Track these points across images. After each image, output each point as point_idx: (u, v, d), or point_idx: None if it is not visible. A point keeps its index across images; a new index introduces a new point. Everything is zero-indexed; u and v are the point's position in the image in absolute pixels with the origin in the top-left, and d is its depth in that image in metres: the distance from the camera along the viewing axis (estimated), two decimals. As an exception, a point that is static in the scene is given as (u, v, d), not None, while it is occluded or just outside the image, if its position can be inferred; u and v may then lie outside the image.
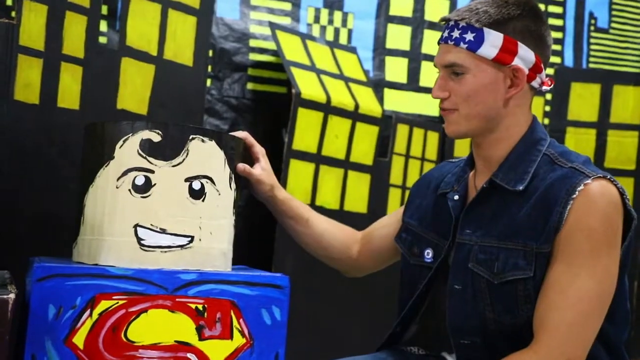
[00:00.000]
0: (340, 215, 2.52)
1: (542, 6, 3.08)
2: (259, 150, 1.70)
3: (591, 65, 3.14)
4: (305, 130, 2.43)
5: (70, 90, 2.14)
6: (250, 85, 2.65)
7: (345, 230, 1.89)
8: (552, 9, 3.13)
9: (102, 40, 2.28)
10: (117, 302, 1.37)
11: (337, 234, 1.85)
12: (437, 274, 1.61)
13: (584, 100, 2.89)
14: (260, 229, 2.47)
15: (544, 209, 1.44)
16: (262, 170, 1.68)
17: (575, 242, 1.40)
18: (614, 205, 1.43)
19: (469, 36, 1.49)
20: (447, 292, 1.57)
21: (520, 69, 1.50)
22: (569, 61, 3.13)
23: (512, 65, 1.50)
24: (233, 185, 1.53)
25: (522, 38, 1.50)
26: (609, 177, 1.45)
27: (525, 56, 1.50)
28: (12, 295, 1.26)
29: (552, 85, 1.64)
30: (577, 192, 1.41)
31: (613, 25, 3.19)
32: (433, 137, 2.83)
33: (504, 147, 1.55)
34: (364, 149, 2.61)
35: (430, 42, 2.91)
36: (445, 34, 1.53)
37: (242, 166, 1.57)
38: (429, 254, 1.64)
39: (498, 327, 1.48)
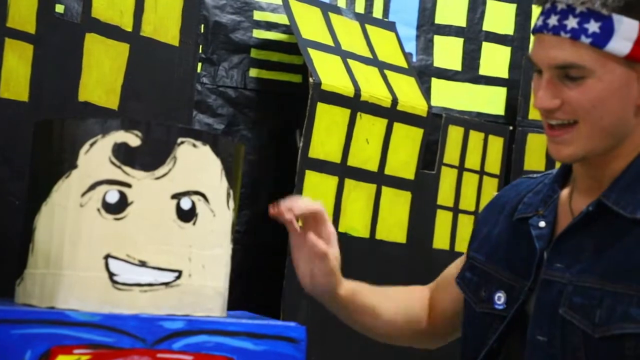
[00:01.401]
0: (370, 245, 2.53)
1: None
2: (331, 231, 1.67)
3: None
4: (327, 132, 2.43)
5: (17, 75, 2.15)
6: (253, 72, 2.67)
7: (414, 303, 1.86)
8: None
9: (59, 9, 2.29)
10: (80, 358, 1.38)
11: (408, 318, 1.83)
12: (512, 325, 1.59)
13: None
14: (263, 260, 2.48)
15: None
16: (335, 260, 1.66)
17: None
18: None
19: (593, 26, 1.44)
20: (526, 347, 1.55)
21: None
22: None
23: None
24: (231, 203, 1.54)
25: None
26: None
27: None
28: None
29: None
30: None
31: None
32: (496, 144, 2.83)
33: (622, 163, 1.53)
34: (404, 159, 2.62)
35: (495, 15, 2.92)
36: (554, 22, 1.47)
37: (315, 240, 1.60)
38: (500, 298, 1.61)
39: None
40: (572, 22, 1.44)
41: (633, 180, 1.51)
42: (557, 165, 1.69)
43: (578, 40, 1.44)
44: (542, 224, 1.59)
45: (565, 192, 1.62)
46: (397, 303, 1.82)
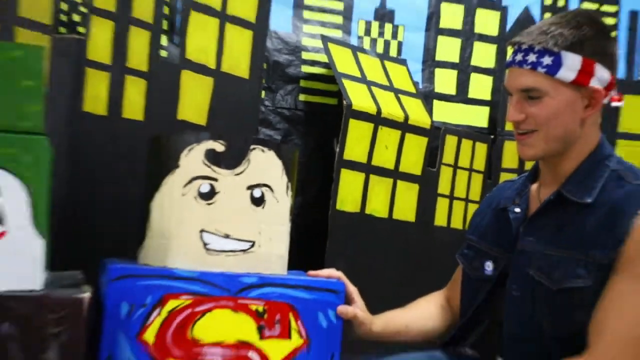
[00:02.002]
0: (388, 223, 2.54)
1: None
2: (353, 290, 1.60)
3: (645, 78, 3.11)
4: (356, 140, 2.44)
5: (135, 102, 2.17)
6: (302, 97, 2.67)
7: (434, 307, 1.82)
8: (606, 20, 3.08)
9: (164, 54, 2.30)
10: (184, 302, 1.41)
11: (431, 321, 1.79)
12: (497, 285, 1.62)
13: (635, 113, 2.85)
14: (312, 234, 2.49)
15: (611, 222, 1.44)
16: (362, 312, 1.58)
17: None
18: None
19: (547, 60, 1.47)
20: (505, 300, 1.58)
21: (598, 90, 1.49)
22: (620, 73, 3.07)
23: (590, 87, 1.49)
24: (289, 193, 1.55)
25: (599, 59, 1.49)
26: None
27: (601, 76, 1.49)
28: (87, 295, 1.31)
29: (621, 101, 1.62)
30: None
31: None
32: (481, 148, 2.83)
33: (574, 162, 1.55)
34: (413, 159, 2.62)
35: (480, 54, 2.91)
36: (519, 58, 1.51)
37: (344, 309, 1.52)
38: (489, 266, 1.64)
39: (554, 334, 1.49)
40: (531, 57, 1.49)
41: (583, 177, 1.53)
42: (527, 165, 1.70)
43: (536, 70, 1.48)
44: (517, 210, 1.62)
45: (535, 186, 1.64)
46: (424, 313, 1.78)
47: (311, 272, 1.58)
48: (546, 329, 1.49)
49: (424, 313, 1.78)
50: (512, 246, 1.59)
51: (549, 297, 1.49)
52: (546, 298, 1.49)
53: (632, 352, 1.38)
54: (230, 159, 1.47)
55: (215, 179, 1.47)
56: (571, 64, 1.47)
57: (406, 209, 2.62)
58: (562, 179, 1.56)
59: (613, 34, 2.98)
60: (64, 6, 2.26)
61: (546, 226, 1.55)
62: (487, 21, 2.94)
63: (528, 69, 1.49)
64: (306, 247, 2.45)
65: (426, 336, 1.75)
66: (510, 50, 1.57)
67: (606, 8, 3.11)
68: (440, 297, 1.83)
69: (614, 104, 1.56)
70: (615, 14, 3.13)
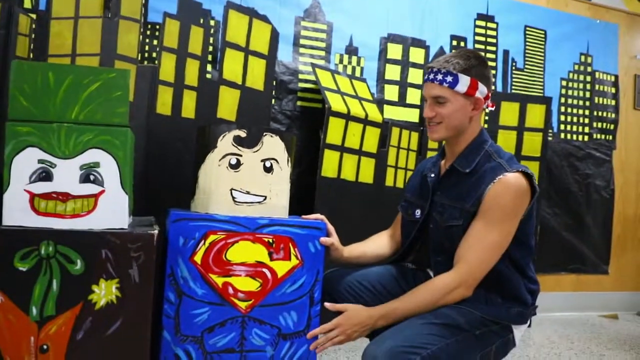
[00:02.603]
0: (355, 185, 2.52)
1: (482, 54, 3.07)
2: (331, 228, 1.54)
3: (513, 91, 3.13)
4: (334, 131, 2.40)
5: (189, 106, 2.15)
6: (299, 103, 2.61)
7: (383, 240, 1.76)
8: (489, 55, 3.12)
9: (208, 76, 2.27)
10: (220, 236, 1.39)
11: (381, 249, 1.73)
12: (423, 224, 1.60)
13: (509, 113, 2.88)
14: (306, 192, 2.47)
15: (477, 186, 1.44)
16: (337, 242, 1.55)
17: (493, 210, 1.41)
18: (521, 191, 1.42)
19: (449, 78, 1.47)
20: (428, 233, 1.58)
21: (479, 99, 1.50)
22: (499, 88, 3.11)
23: (475, 96, 1.49)
24: (289, 164, 1.52)
25: (480, 79, 1.48)
26: (522, 170, 1.44)
27: (482, 91, 1.49)
28: (156, 231, 1.29)
29: (494, 107, 1.61)
30: (496, 179, 1.42)
31: (526, 66, 3.18)
32: (415, 135, 2.78)
33: (463, 145, 1.53)
34: (371, 143, 2.58)
35: (413, 75, 2.87)
36: (432, 76, 1.49)
37: (325, 239, 1.49)
38: (417, 212, 1.61)
39: (450, 250, 1.48)
40: (439, 76, 1.47)
41: (466, 155, 1.52)
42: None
43: (442, 85, 1.47)
44: (432, 175, 1.60)
45: (443, 162, 1.62)
46: (376, 244, 1.74)
47: (304, 216, 1.54)
48: (445, 247, 1.50)
49: (376, 243, 1.74)
50: (429, 198, 1.58)
51: (442, 231, 1.50)
52: (442, 230, 1.51)
53: (482, 268, 1.42)
54: (250, 142, 1.45)
55: (240, 155, 1.44)
56: (464, 81, 1.47)
57: (367, 175, 2.59)
58: (455, 156, 1.55)
59: (491, 64, 3.06)
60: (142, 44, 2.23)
61: (445, 186, 1.55)
62: (416, 54, 2.90)
63: (437, 83, 1.48)
64: (302, 200, 2.44)
65: (378, 259, 1.72)
66: (426, 71, 1.55)
67: (489, 48, 3.12)
68: (387, 234, 1.80)
69: (489, 109, 1.57)
70: (494, 52, 3.14)
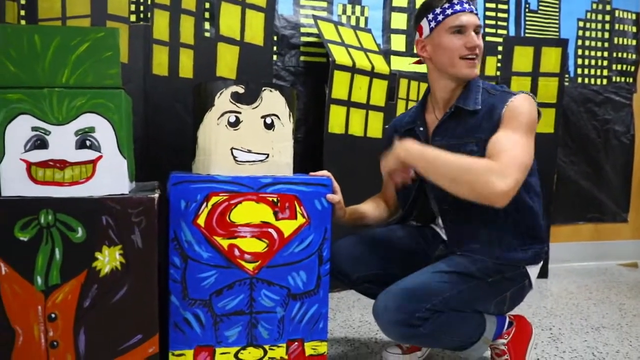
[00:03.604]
0: (364, 140, 2.48)
1: (496, -6, 2.99)
2: (337, 186, 1.49)
3: (527, 34, 3.02)
4: (339, 85, 2.35)
5: (186, 65, 2.11)
6: (302, 58, 2.56)
7: (378, 205, 1.72)
8: (499, 5, 3.01)
9: (206, 34, 2.22)
10: (223, 197, 1.37)
11: (378, 212, 1.69)
12: (420, 179, 1.55)
13: (523, 58, 2.80)
14: (314, 149, 2.44)
15: (490, 116, 1.41)
16: (342, 201, 1.51)
17: (514, 118, 1.37)
18: (533, 106, 1.41)
19: (475, 11, 1.47)
20: (428, 186, 1.54)
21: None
22: (512, 32, 3.01)
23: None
24: (291, 119, 1.49)
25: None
26: (524, 92, 1.44)
27: None
28: (157, 195, 1.28)
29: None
30: (509, 101, 1.40)
31: (540, 7, 3.07)
32: (423, 87, 2.72)
33: (460, 88, 1.50)
34: (378, 96, 2.52)
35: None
36: (467, 7, 1.45)
37: (331, 196, 1.44)
38: (411, 172, 1.56)
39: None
40: (472, 6, 1.47)
41: (467, 94, 1.49)
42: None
43: (477, 15, 1.48)
44: (421, 128, 1.56)
45: (427, 113, 1.58)
46: (373, 207, 1.70)
47: (311, 173, 1.52)
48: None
49: (373, 206, 1.70)
50: None
51: None
52: None
53: (520, 165, 1.30)
54: (249, 98, 1.41)
55: (239, 112, 1.41)
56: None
57: (375, 129, 2.54)
58: (452, 100, 1.51)
59: (503, 7, 2.96)
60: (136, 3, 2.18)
61: (448, 128, 1.50)
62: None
63: (475, 14, 1.46)
64: (310, 159, 2.42)
65: (377, 221, 1.69)
66: (444, 5, 1.47)
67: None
68: (380, 197, 1.76)
69: None
70: (507, 2, 3.04)
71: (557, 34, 3.11)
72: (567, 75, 3.10)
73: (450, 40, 1.44)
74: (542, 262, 1.52)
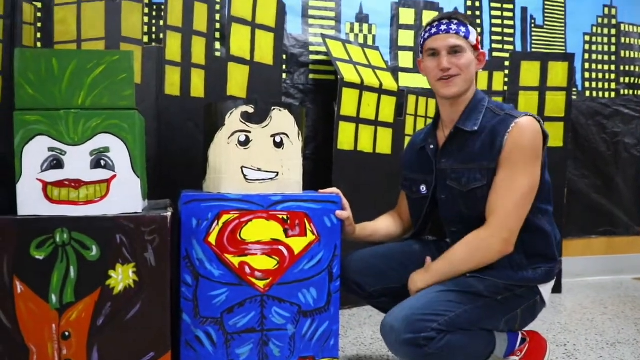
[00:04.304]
0: (373, 156, 2.49)
1: (499, 12, 2.99)
2: (346, 202, 1.51)
3: (533, 49, 3.04)
4: (348, 102, 2.36)
5: (198, 85, 2.14)
6: (311, 76, 2.59)
7: (391, 220, 1.73)
8: (506, 14, 3.03)
9: (217, 54, 2.26)
10: (233, 215, 1.39)
11: (391, 228, 1.71)
12: (432, 199, 1.58)
13: (529, 73, 2.81)
14: (323, 166, 2.45)
15: (491, 141, 1.42)
16: (351, 217, 1.53)
17: (514, 154, 1.39)
18: (536, 132, 1.41)
19: (463, 29, 1.45)
20: (438, 203, 1.55)
21: (483, 53, 1.51)
22: (518, 47, 3.03)
23: (480, 51, 1.50)
24: (300, 138, 1.50)
25: (480, 35, 1.49)
26: (529, 114, 1.43)
27: (482, 45, 1.50)
28: (169, 213, 1.30)
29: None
30: (511, 127, 1.40)
31: (546, 22, 3.08)
32: (432, 103, 2.72)
33: (463, 106, 1.51)
34: (387, 112, 2.53)
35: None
36: (444, 27, 1.46)
37: (341, 213, 1.47)
38: (423, 188, 1.59)
39: (469, 217, 1.46)
40: (454, 27, 1.46)
41: (468, 114, 1.49)
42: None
43: (458, 34, 1.46)
44: (432, 146, 1.57)
45: (439, 131, 1.58)
46: (386, 223, 1.72)
47: (320, 190, 1.53)
48: (465, 216, 1.48)
49: (386, 223, 1.72)
50: (434, 169, 1.55)
51: (463, 196, 1.47)
52: (460, 196, 1.47)
53: (516, 216, 1.39)
54: (258, 117, 1.43)
55: (249, 131, 1.43)
56: (473, 33, 1.47)
57: (384, 146, 2.55)
58: (456, 118, 1.51)
59: (509, 23, 2.98)
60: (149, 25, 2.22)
61: (452, 151, 1.51)
62: (430, 17, 2.81)
63: (453, 33, 1.45)
64: (320, 176, 2.43)
65: (388, 238, 1.70)
66: (432, 25, 1.50)
67: (506, 6, 3.03)
68: (394, 213, 1.77)
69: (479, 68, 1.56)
70: (512, 10, 3.04)
71: (564, 48, 3.12)
72: (575, 89, 3.11)
73: (428, 63, 1.50)
74: (554, 280, 1.52)
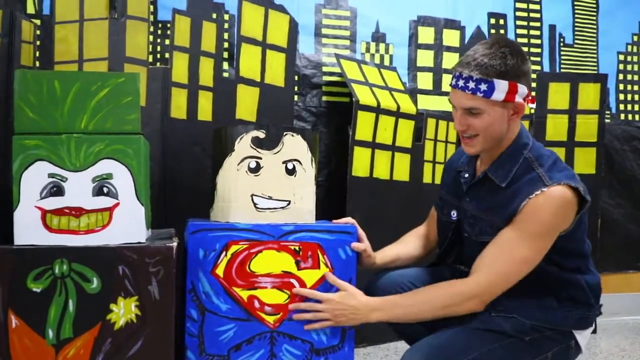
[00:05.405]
0: (390, 183, 2.51)
1: (524, 31, 3.03)
2: (362, 233, 1.53)
3: (562, 70, 3.06)
4: (363, 126, 2.38)
5: (205, 108, 2.18)
6: (324, 98, 2.61)
7: (416, 240, 1.75)
8: (533, 32, 3.05)
9: (225, 74, 2.30)
10: (242, 246, 1.41)
11: (415, 251, 1.72)
12: (458, 226, 1.58)
13: (558, 95, 2.82)
14: (336, 194, 2.47)
15: (511, 201, 1.39)
16: (369, 248, 1.55)
17: (529, 222, 1.35)
18: (564, 207, 1.36)
19: (483, 86, 1.37)
20: (463, 240, 1.56)
21: (520, 103, 1.41)
22: (546, 68, 3.05)
23: (515, 102, 1.40)
24: (313, 165, 1.53)
25: (519, 80, 1.39)
26: (564, 182, 1.37)
27: (522, 92, 1.40)
28: (175, 244, 1.32)
29: (535, 103, 1.56)
30: (534, 194, 1.36)
31: (576, 41, 3.10)
32: (452, 126, 2.72)
33: (500, 150, 1.48)
34: (405, 136, 2.55)
35: (448, 60, 2.83)
36: (462, 84, 1.39)
37: (357, 245, 1.49)
38: (454, 214, 1.58)
39: None
40: (471, 85, 1.38)
41: (502, 162, 1.47)
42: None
43: (475, 95, 1.38)
44: (466, 175, 1.56)
45: (478, 160, 1.57)
46: (410, 246, 1.72)
47: (334, 221, 1.55)
48: None
49: (409, 245, 1.73)
50: (461, 204, 1.56)
51: (475, 245, 1.47)
52: (473, 245, 1.48)
53: (503, 285, 1.38)
54: (270, 143, 1.46)
55: (260, 158, 1.46)
56: (501, 88, 1.38)
57: (402, 172, 2.56)
58: (491, 160, 1.50)
59: (536, 42, 3.00)
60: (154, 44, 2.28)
61: (476, 195, 1.51)
62: (450, 37, 2.86)
63: (469, 93, 1.39)
64: (332, 203, 2.45)
65: (412, 261, 1.70)
66: (454, 74, 1.46)
67: (533, 24, 3.05)
68: (420, 232, 1.78)
69: (530, 105, 1.50)
70: (539, 28, 3.07)
71: (596, 68, 3.14)
72: (608, 112, 3.11)
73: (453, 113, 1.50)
74: (592, 327, 1.50)
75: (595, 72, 3.12)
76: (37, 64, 2.06)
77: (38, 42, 2.06)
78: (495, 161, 1.48)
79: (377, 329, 1.71)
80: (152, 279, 1.29)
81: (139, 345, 1.29)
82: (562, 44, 3.10)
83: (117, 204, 1.33)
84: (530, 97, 1.45)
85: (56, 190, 1.30)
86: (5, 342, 1.25)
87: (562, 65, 3.09)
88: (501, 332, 1.39)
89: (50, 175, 1.30)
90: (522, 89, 1.40)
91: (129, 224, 1.33)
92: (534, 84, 2.86)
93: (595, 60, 3.15)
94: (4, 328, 1.25)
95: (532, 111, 2.85)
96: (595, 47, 3.14)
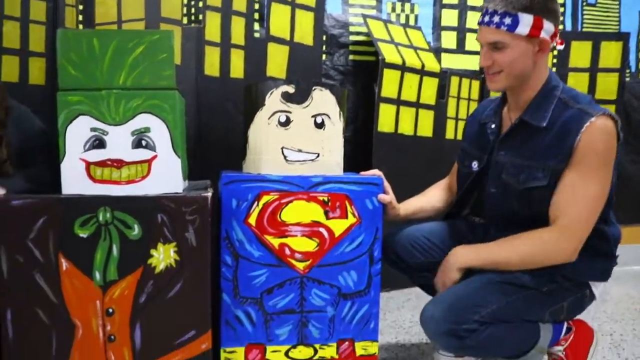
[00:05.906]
0: (414, 139, 2.45)
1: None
2: (387, 185, 1.48)
3: (584, 29, 2.91)
4: (389, 83, 2.32)
5: (238, 65, 2.14)
6: (351, 57, 2.54)
7: (440, 193, 1.71)
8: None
9: (256, 34, 2.24)
10: (273, 197, 1.38)
11: (438, 203, 1.68)
12: (478, 178, 1.53)
13: (580, 53, 2.70)
14: (363, 149, 2.43)
15: (561, 138, 1.32)
16: (394, 201, 1.51)
17: (587, 159, 1.29)
18: (612, 134, 1.31)
19: (507, 20, 1.32)
20: (485, 195, 1.49)
21: (545, 40, 1.35)
22: (568, 26, 2.91)
23: (540, 37, 1.34)
24: (341, 118, 1.48)
25: (545, 15, 1.32)
26: (607, 112, 1.32)
27: (548, 28, 1.33)
28: (210, 194, 1.30)
29: (563, 45, 1.47)
30: (584, 127, 1.29)
31: (599, 1, 2.94)
32: (475, 84, 2.65)
33: (530, 92, 1.40)
34: (429, 94, 2.47)
35: (472, 19, 2.70)
36: (487, 19, 1.35)
37: (383, 196, 1.44)
38: (475, 164, 1.53)
39: (519, 216, 1.39)
40: (496, 19, 1.33)
41: (537, 105, 1.39)
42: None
43: (499, 29, 1.33)
44: (493, 126, 1.50)
45: (505, 109, 1.50)
46: (433, 198, 1.68)
47: (362, 172, 1.50)
48: (517, 213, 1.41)
49: (432, 197, 1.69)
50: (490, 153, 1.48)
51: (516, 195, 1.39)
52: (515, 194, 1.40)
53: (586, 226, 1.32)
54: (299, 97, 1.41)
55: (289, 112, 1.41)
56: (526, 21, 1.32)
57: (426, 128, 2.50)
58: (523, 106, 1.42)
59: (561, 0, 2.87)
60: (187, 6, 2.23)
61: (513, 144, 1.43)
62: (475, -4, 2.76)
63: (494, 27, 1.34)
64: (359, 159, 2.40)
65: (435, 212, 1.66)
66: (481, 12, 1.41)
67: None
68: (443, 184, 1.74)
69: (558, 47, 1.42)
70: None
71: (618, 27, 2.98)
72: (628, 70, 2.97)
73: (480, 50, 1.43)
74: (609, 279, 1.45)
75: (617, 30, 2.96)
76: (80, 27, 2.04)
77: (80, 6, 2.03)
78: (530, 105, 1.40)
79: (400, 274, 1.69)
80: (189, 227, 1.28)
81: (178, 288, 1.29)
82: (584, 3, 2.94)
83: (155, 156, 1.31)
84: (559, 39, 1.38)
85: (98, 143, 1.29)
86: (57, 283, 1.26)
87: (584, 24, 2.94)
88: (520, 285, 1.35)
89: (93, 129, 1.29)
90: (548, 25, 1.33)
91: (166, 175, 1.31)
92: (556, 42, 2.73)
93: (617, 18, 2.99)
94: (56, 270, 1.25)
95: (554, 69, 2.73)
96: (617, 7, 2.98)
